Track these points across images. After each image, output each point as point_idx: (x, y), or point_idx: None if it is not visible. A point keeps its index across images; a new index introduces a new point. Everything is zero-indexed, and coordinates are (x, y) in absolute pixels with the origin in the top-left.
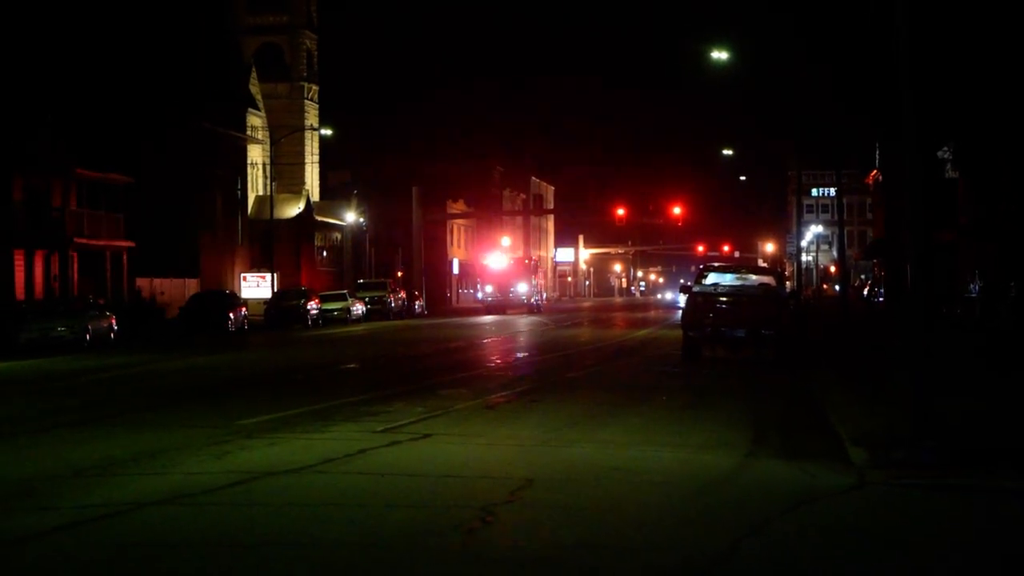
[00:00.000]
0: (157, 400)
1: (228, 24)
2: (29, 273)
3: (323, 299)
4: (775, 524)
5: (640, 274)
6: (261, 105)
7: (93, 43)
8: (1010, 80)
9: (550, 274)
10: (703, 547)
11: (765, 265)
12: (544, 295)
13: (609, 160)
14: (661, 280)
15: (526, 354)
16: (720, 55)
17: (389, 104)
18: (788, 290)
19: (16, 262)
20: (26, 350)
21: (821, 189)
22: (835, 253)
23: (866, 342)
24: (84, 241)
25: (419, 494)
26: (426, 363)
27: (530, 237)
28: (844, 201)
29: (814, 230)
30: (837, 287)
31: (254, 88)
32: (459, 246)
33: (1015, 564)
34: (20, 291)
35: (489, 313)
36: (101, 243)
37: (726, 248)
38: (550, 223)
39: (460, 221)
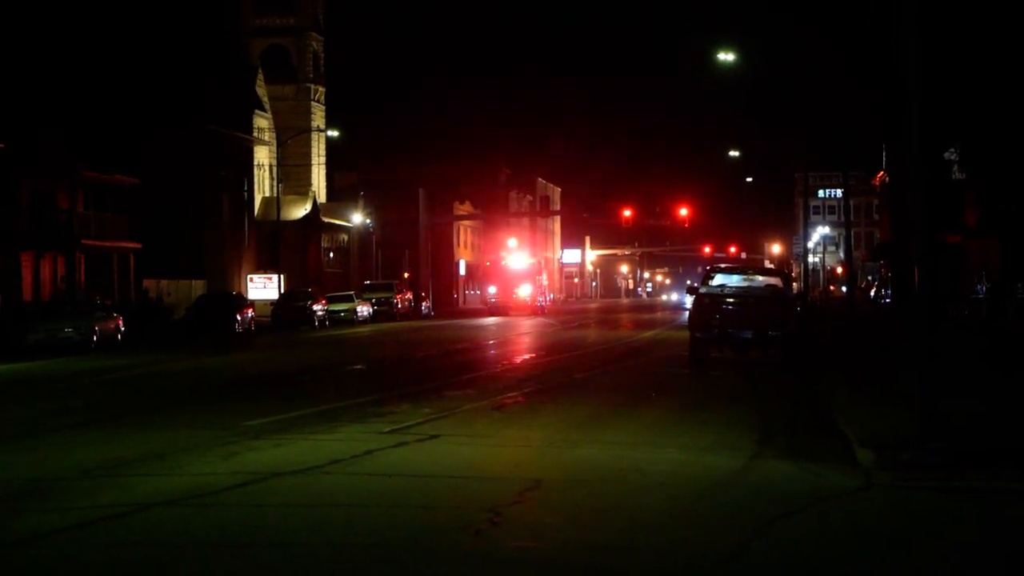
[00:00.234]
0: (164, 401)
1: (234, 26)
2: (36, 275)
3: (330, 300)
4: (782, 525)
5: (647, 275)
6: (268, 107)
7: (99, 45)
8: (1009, 81)
9: (557, 275)
10: (710, 548)
11: (772, 266)
12: (549, 296)
13: (616, 162)
14: (668, 281)
15: (533, 355)
16: (726, 56)
17: (396, 106)
18: (795, 291)
19: (23, 264)
20: (33, 351)
21: (828, 190)
22: (842, 254)
23: (873, 343)
24: (91, 243)
25: (426, 495)
26: (433, 364)
27: (537, 238)
28: (851, 203)
29: (821, 231)
30: (844, 288)
31: (261, 90)
32: (466, 247)
33: (1018, 565)
34: (27, 292)
35: (492, 315)
36: (108, 244)
37: (733, 249)
38: (557, 224)
39: (467, 222)
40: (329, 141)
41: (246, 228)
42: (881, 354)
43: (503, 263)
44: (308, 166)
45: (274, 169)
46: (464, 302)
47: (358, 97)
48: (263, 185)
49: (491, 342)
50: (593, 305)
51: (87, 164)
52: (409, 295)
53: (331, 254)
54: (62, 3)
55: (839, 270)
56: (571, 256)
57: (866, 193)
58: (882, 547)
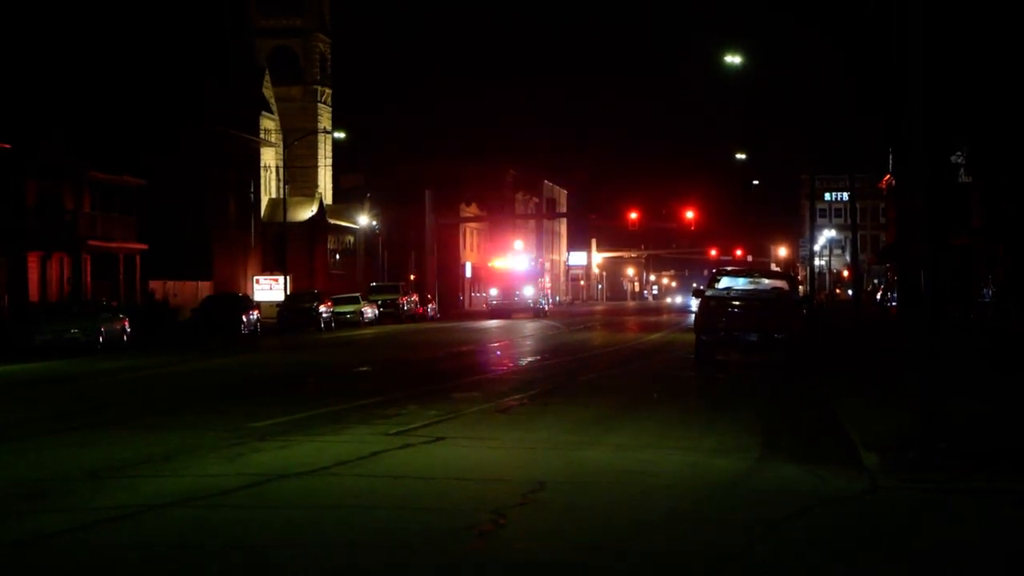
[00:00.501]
0: (170, 402)
1: (241, 27)
2: (42, 275)
3: (336, 302)
4: (786, 527)
5: (653, 278)
6: (274, 108)
7: (106, 46)
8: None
9: (563, 277)
10: (715, 550)
11: (778, 269)
12: (551, 299)
13: (622, 164)
14: (674, 284)
15: (538, 357)
16: (733, 59)
17: (402, 107)
18: (801, 294)
19: (30, 264)
20: (40, 352)
21: (834, 193)
22: (848, 257)
23: (878, 346)
24: (97, 243)
25: (432, 496)
26: (438, 366)
27: (543, 240)
28: (857, 206)
29: (827, 234)
30: (850, 291)
31: (267, 91)
32: (472, 249)
33: (1020, 565)
34: (34, 293)
35: (494, 317)
36: (114, 245)
37: (739, 252)
38: (563, 227)
39: (473, 224)
40: (335, 143)
41: (252, 229)
42: (886, 356)
43: (505, 265)
44: (314, 168)
45: (280, 170)
46: (470, 304)
47: (364, 99)
48: (269, 186)
49: (496, 344)
50: (599, 307)
51: (93, 165)
52: (415, 297)
53: (337, 256)
54: (70, 4)
55: (845, 273)
56: (577, 258)
57: (872, 196)
58: (886, 549)
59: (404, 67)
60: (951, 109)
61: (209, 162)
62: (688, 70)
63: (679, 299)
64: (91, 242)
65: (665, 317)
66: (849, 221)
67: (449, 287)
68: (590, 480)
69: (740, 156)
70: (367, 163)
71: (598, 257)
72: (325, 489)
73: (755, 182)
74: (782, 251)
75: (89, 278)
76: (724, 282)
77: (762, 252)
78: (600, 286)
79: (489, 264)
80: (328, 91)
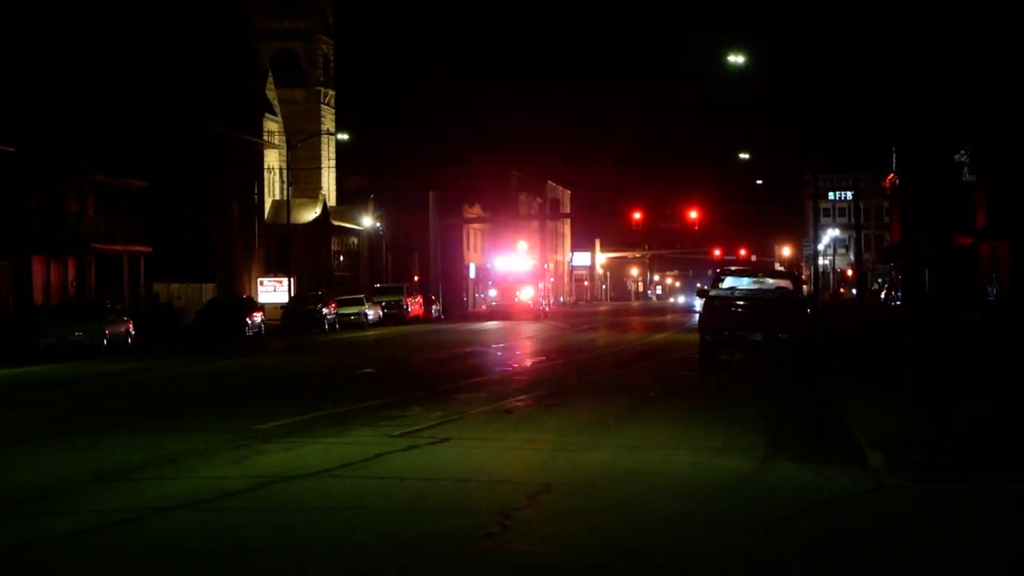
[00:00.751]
0: (175, 405)
1: (244, 29)
2: (47, 278)
3: (340, 304)
4: (792, 527)
5: (656, 278)
6: (278, 110)
7: (109, 49)
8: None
9: (567, 278)
10: (720, 551)
11: (782, 269)
12: (551, 300)
13: (626, 164)
14: (678, 284)
15: (543, 358)
16: (737, 59)
17: (405, 108)
18: (805, 294)
19: (34, 267)
20: (44, 355)
21: (838, 193)
22: (852, 257)
23: (883, 345)
24: (101, 246)
25: (437, 498)
26: (443, 367)
27: (547, 241)
28: (861, 205)
29: (831, 234)
30: (854, 291)
31: (271, 93)
32: (476, 250)
33: (1020, 567)
34: (38, 296)
35: (493, 319)
36: (118, 248)
37: (743, 252)
38: (567, 227)
39: (476, 225)
40: (339, 144)
41: (256, 231)
42: (890, 356)
43: (504, 266)
44: (318, 169)
45: (284, 172)
46: (474, 305)
47: (368, 100)
48: (273, 188)
49: (500, 345)
50: (603, 308)
51: (97, 167)
52: (419, 298)
53: (341, 257)
54: (72, 7)
55: (849, 272)
56: (581, 259)
57: (876, 195)
58: (889, 549)
59: (407, 68)
60: (954, 108)
61: (212, 164)
62: (691, 70)
63: (682, 299)
64: (95, 245)
65: (669, 317)
66: (853, 220)
67: (453, 288)
68: (596, 481)
69: (743, 156)
70: (371, 164)
71: (602, 257)
72: (330, 491)
73: (759, 182)
74: (786, 251)
75: (93, 281)
76: (728, 282)
77: (766, 252)
78: (604, 286)
79: (488, 265)
80: (331, 93)
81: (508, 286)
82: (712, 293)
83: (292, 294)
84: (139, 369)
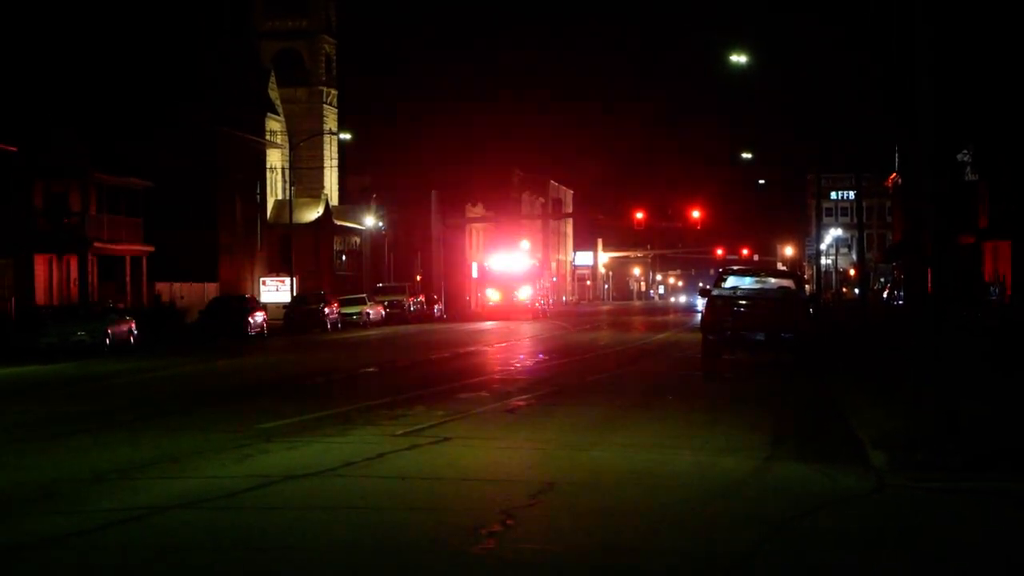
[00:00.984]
0: (177, 404)
1: (247, 29)
2: (49, 278)
3: (342, 303)
4: (795, 527)
5: (659, 278)
6: (280, 110)
7: (112, 48)
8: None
9: (569, 277)
10: (723, 550)
11: (784, 268)
12: (550, 299)
13: (628, 164)
14: (680, 283)
15: (545, 358)
16: (739, 58)
17: (408, 108)
18: (807, 293)
19: (37, 267)
20: (46, 354)
21: (840, 192)
22: (855, 256)
23: (885, 345)
24: (103, 245)
25: (439, 497)
26: (445, 367)
27: (549, 241)
28: (863, 204)
29: (833, 233)
30: (857, 290)
31: (273, 93)
32: (478, 250)
33: (1022, 567)
34: (41, 295)
35: (491, 319)
36: (120, 247)
37: (745, 251)
38: (569, 227)
39: (479, 225)
40: (341, 144)
41: (259, 231)
42: (893, 355)
43: (502, 265)
44: (320, 169)
45: (287, 172)
46: (477, 304)
47: (370, 99)
48: (276, 188)
49: (502, 345)
50: (605, 307)
51: (100, 167)
52: (421, 297)
53: (343, 257)
54: (75, 7)
55: (852, 272)
56: (583, 258)
57: (879, 195)
58: (893, 549)
59: (409, 67)
60: (956, 107)
61: (215, 164)
62: (693, 69)
63: (683, 298)
64: (97, 244)
65: (671, 317)
66: (855, 220)
67: (456, 287)
68: (598, 480)
69: (746, 155)
70: (373, 164)
71: (604, 257)
72: (332, 490)
73: (761, 181)
74: (788, 250)
75: (96, 280)
76: (730, 281)
77: (768, 251)
78: (606, 286)
79: (485, 264)
80: (334, 92)
81: (505, 285)
82: (714, 292)
83: (294, 293)
84: (141, 368)
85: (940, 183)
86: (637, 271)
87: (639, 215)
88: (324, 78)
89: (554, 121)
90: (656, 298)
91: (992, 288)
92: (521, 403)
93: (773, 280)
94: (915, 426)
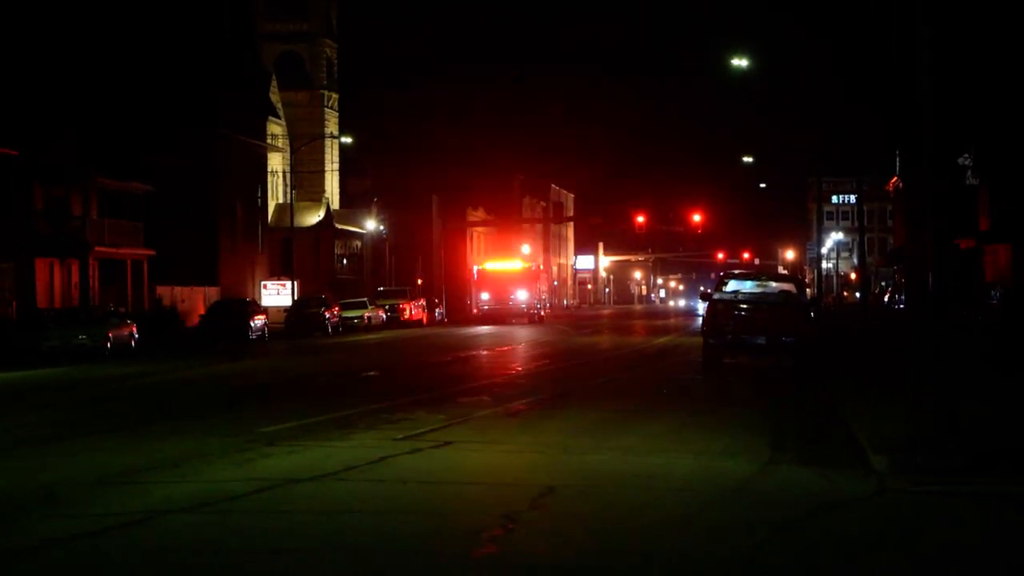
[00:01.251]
0: (178, 408)
1: (248, 32)
2: (51, 281)
3: (343, 307)
4: (795, 530)
5: (660, 281)
6: (281, 113)
7: (112, 52)
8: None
9: (570, 281)
10: (724, 554)
11: (785, 272)
12: (547, 303)
13: (629, 168)
14: (681, 287)
15: (547, 362)
16: (740, 62)
17: (409, 111)
18: (808, 297)
19: (38, 271)
20: (48, 358)
21: (841, 196)
22: (855, 260)
23: (886, 348)
24: (105, 249)
25: (440, 501)
26: (446, 371)
27: (550, 245)
28: (864, 208)
29: (834, 237)
30: (858, 294)
31: (274, 96)
32: (479, 253)
33: (1022, 571)
34: (42, 299)
35: (485, 323)
36: (122, 251)
37: (746, 255)
38: (570, 231)
39: (480, 229)
40: (342, 147)
41: (260, 235)
42: (894, 359)
43: (497, 268)
44: (321, 172)
45: (288, 176)
46: (477, 308)
47: (372, 103)
48: (277, 192)
49: (504, 349)
50: (605, 311)
51: (101, 171)
52: (422, 301)
53: (344, 260)
54: (77, 11)
55: (853, 275)
56: (584, 262)
57: (879, 198)
58: (893, 552)
59: (411, 71)
60: (957, 111)
61: (216, 167)
62: (694, 73)
63: (682, 303)
64: (98, 248)
65: (672, 321)
66: (856, 224)
67: (457, 291)
68: (600, 484)
69: (747, 159)
70: (374, 167)
71: (605, 261)
72: (334, 494)
73: (762, 185)
74: (789, 254)
75: (97, 284)
76: (731, 285)
77: (769, 255)
78: (607, 290)
79: (479, 267)
80: (335, 96)
81: (500, 289)
82: (716, 296)
83: (295, 297)
84: (142, 372)
85: (941, 186)
86: (638, 275)
87: (640, 219)
88: (325, 81)
89: (555, 125)
90: (657, 302)
91: (993, 291)
92: (522, 407)
93: (774, 284)
94: (915, 428)
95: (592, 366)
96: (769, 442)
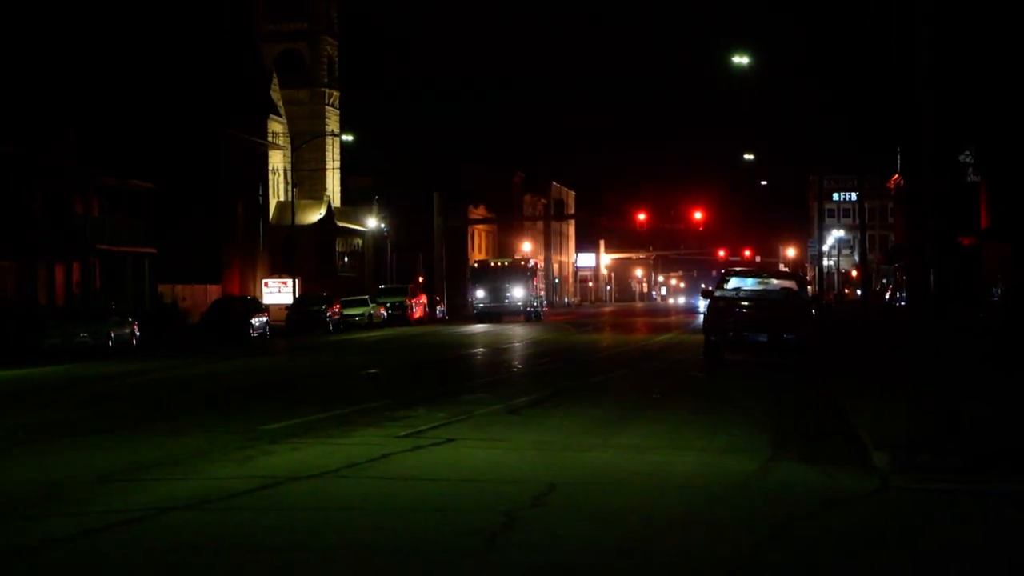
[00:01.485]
0: (180, 406)
1: (249, 31)
2: (51, 279)
3: (344, 304)
4: (797, 527)
5: (661, 279)
6: (282, 111)
7: (114, 50)
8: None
9: (571, 279)
10: (725, 551)
11: (786, 269)
12: (545, 300)
13: (630, 165)
14: (682, 285)
15: (548, 359)
16: (740, 60)
17: (410, 109)
18: (810, 294)
19: (39, 269)
20: (49, 356)
21: (842, 194)
22: (856, 257)
23: (887, 346)
24: (106, 247)
25: (442, 499)
26: (448, 368)
27: (551, 242)
28: (865, 206)
29: (835, 235)
30: (859, 291)
31: (275, 94)
32: (481, 251)
33: (1022, 569)
34: (43, 297)
35: (481, 322)
36: (123, 249)
37: (747, 253)
38: (571, 228)
39: (481, 226)
40: (343, 145)
41: (261, 233)
42: (895, 356)
43: (491, 264)
44: (323, 170)
45: (289, 174)
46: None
47: (372, 101)
48: (278, 190)
49: (506, 346)
50: (607, 309)
51: (102, 169)
52: (424, 299)
53: (346, 258)
54: (77, 9)
55: (854, 273)
56: (585, 260)
57: (880, 196)
58: (894, 550)
59: (411, 69)
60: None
61: (217, 166)
62: (695, 71)
63: (681, 300)
64: (99, 246)
65: (673, 318)
66: (857, 221)
67: (458, 289)
68: (601, 481)
69: (748, 157)
70: (375, 165)
71: (606, 258)
72: (335, 491)
73: (763, 183)
74: (791, 251)
75: (98, 282)
76: (733, 283)
77: (771, 252)
78: (609, 287)
79: (474, 264)
80: (336, 94)
81: (496, 286)
82: (717, 294)
83: (296, 295)
84: (144, 370)
85: (941, 184)
86: (639, 272)
87: (641, 216)
88: (326, 79)
89: (557, 122)
90: (658, 299)
91: (994, 288)
92: (523, 404)
93: (775, 281)
94: (916, 427)
95: (593, 364)
96: (770, 439)
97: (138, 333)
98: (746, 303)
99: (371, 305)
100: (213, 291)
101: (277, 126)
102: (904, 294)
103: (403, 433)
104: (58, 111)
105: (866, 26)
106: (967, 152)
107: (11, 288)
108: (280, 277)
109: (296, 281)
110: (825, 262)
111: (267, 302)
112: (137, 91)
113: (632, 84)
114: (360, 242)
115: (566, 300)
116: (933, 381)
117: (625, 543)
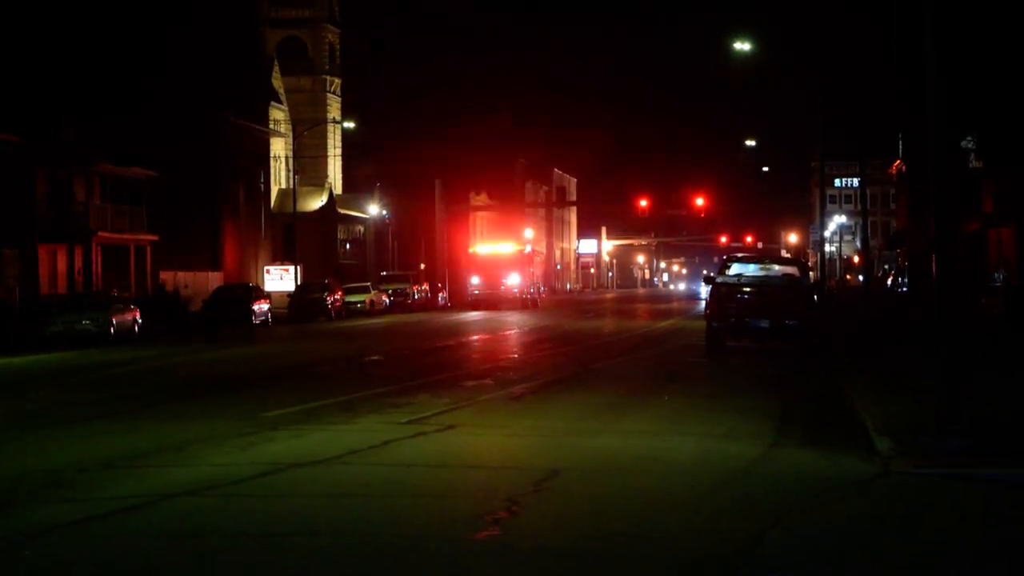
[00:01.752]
0: (182, 393)
1: (251, 18)
2: (54, 267)
3: (346, 291)
4: (800, 512)
5: (663, 265)
6: (284, 98)
7: (116, 37)
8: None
9: (573, 265)
10: (729, 536)
11: (788, 256)
12: (541, 288)
13: (632, 152)
14: (684, 271)
15: (550, 345)
16: (743, 45)
17: (411, 96)
18: (812, 280)
19: (41, 256)
20: (51, 343)
21: (844, 179)
22: (859, 243)
23: (889, 331)
24: (108, 235)
25: (445, 485)
26: (450, 355)
27: (553, 229)
28: (867, 191)
29: (837, 220)
30: (861, 277)
31: (276, 82)
32: (482, 238)
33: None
34: (45, 285)
35: (476, 309)
36: (125, 237)
37: (749, 239)
38: (573, 215)
39: (483, 213)
40: (345, 133)
41: (263, 220)
42: (898, 342)
43: (488, 251)
44: (324, 158)
45: (290, 161)
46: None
47: (374, 88)
48: (279, 177)
49: (508, 333)
50: (609, 295)
51: (103, 157)
52: (425, 286)
53: (347, 245)
54: None
55: (856, 259)
56: (587, 246)
57: (883, 182)
58: (896, 534)
59: (413, 55)
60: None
61: (219, 153)
62: (697, 55)
63: (682, 286)
64: (102, 233)
65: (675, 304)
66: (859, 207)
67: (459, 276)
68: (603, 467)
69: (750, 143)
70: (377, 152)
71: (608, 245)
72: (338, 478)
73: (765, 169)
74: (792, 237)
75: (100, 269)
76: (735, 269)
77: (773, 238)
78: (610, 274)
79: (470, 250)
80: (337, 81)
81: (492, 273)
82: (719, 280)
83: (298, 282)
84: (145, 357)
85: (945, 168)
86: (641, 259)
87: (643, 203)
88: (328, 67)
89: (557, 109)
90: (660, 286)
91: (996, 273)
92: (525, 391)
93: (777, 267)
94: (919, 412)
95: (595, 350)
96: (773, 425)
97: (140, 320)
98: (748, 289)
99: (373, 292)
100: (215, 278)
101: (278, 113)
102: (906, 280)
103: (405, 420)
104: (59, 99)
105: (869, 15)
106: (969, 137)
107: (13, 276)
108: (282, 264)
109: (298, 268)
110: (827, 248)
111: (269, 289)
112: (139, 78)
113: (634, 69)
114: (362, 229)
115: (568, 287)
116: (935, 366)
117: (627, 529)
